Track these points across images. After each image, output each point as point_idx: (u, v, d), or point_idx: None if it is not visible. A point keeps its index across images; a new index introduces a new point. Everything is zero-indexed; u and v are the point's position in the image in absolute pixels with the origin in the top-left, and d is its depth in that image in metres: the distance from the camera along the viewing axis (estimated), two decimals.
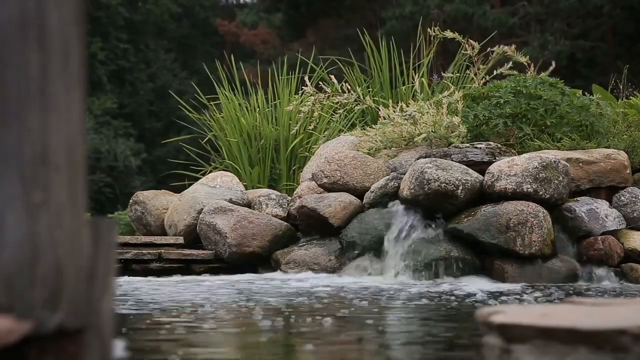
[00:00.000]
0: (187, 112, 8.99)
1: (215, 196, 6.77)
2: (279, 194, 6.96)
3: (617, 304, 1.77)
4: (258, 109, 8.51)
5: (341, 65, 8.77)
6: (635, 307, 1.67)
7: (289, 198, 6.83)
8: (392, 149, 6.89)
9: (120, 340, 1.51)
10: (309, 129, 8.27)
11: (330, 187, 6.47)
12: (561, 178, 5.90)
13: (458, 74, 8.23)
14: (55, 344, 1.29)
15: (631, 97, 7.40)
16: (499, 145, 6.44)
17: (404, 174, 6.16)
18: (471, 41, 8.06)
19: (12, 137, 1.26)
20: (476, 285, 5.29)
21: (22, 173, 1.26)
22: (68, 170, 1.30)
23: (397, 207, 6.05)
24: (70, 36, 1.29)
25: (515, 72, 7.51)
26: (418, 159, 6.29)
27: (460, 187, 5.87)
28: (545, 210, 5.77)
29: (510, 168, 5.89)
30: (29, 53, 1.26)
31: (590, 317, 1.51)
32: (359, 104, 8.05)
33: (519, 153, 6.38)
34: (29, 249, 1.26)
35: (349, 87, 8.16)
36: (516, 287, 5.19)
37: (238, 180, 7.21)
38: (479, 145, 6.36)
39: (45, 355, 1.28)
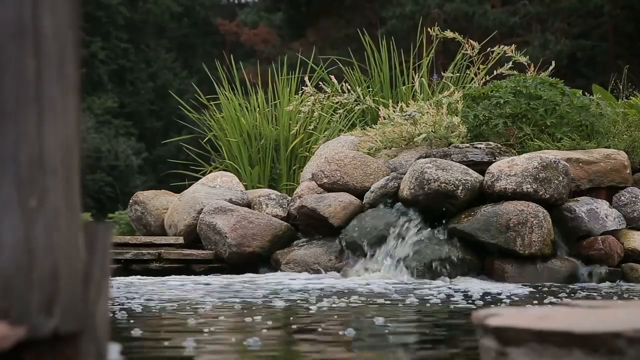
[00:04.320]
0: (187, 112, 8.99)
1: (215, 196, 6.78)
2: (279, 194, 6.96)
3: (614, 306, 1.77)
4: (258, 109, 8.51)
5: (341, 65, 8.77)
6: (632, 310, 1.67)
7: (289, 198, 6.84)
8: (392, 149, 6.89)
9: (115, 343, 1.51)
10: (309, 129, 8.27)
11: (330, 187, 6.47)
12: (561, 178, 5.90)
13: (458, 74, 8.23)
14: (51, 349, 1.29)
15: (631, 97, 7.40)
16: (499, 145, 6.44)
17: (404, 174, 6.16)
18: (471, 41, 8.06)
19: (8, 140, 1.27)
20: (476, 285, 5.30)
21: (18, 177, 1.27)
22: (64, 174, 1.30)
23: (397, 207, 6.05)
24: (65, 41, 1.30)
25: (515, 72, 7.51)
26: (418, 159, 6.29)
27: (460, 187, 5.87)
28: (545, 210, 5.78)
29: (510, 168, 5.89)
30: (25, 58, 1.27)
31: (587, 320, 1.51)
32: (359, 104, 8.05)
33: (519, 153, 6.38)
34: (25, 253, 1.27)
35: (349, 87, 8.16)
36: (516, 287, 5.19)
37: (238, 180, 7.22)
38: (479, 145, 6.36)
39: (42, 359, 1.29)
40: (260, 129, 8.40)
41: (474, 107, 6.72)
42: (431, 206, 5.93)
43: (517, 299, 4.41)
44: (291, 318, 3.59)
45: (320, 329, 3.15)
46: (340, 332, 3.05)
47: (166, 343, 2.82)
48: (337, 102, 8.06)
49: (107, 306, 1.37)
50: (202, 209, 6.61)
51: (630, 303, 1.96)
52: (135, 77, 26.62)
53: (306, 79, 8.19)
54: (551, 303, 4.10)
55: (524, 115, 6.60)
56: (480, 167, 6.12)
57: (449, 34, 7.97)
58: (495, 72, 7.86)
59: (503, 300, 4.28)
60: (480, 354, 1.54)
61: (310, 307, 3.84)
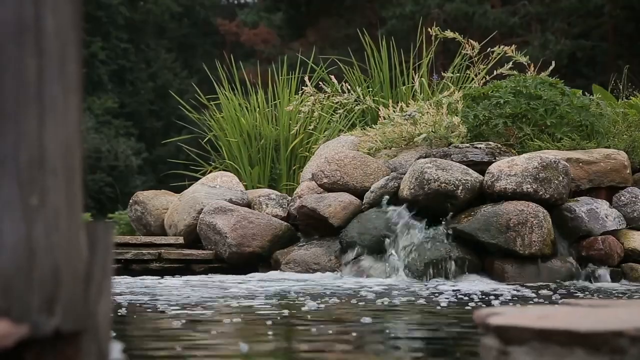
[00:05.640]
0: (187, 112, 8.99)
1: (215, 196, 6.78)
2: (279, 194, 6.96)
3: (615, 305, 1.77)
4: (258, 109, 8.51)
5: (341, 65, 8.77)
6: (633, 309, 1.67)
7: (289, 198, 6.84)
8: (392, 149, 6.90)
9: (118, 342, 1.51)
10: (309, 129, 8.28)
11: (330, 187, 6.48)
12: (561, 178, 5.90)
13: (458, 74, 8.23)
14: (52, 348, 1.30)
15: (631, 97, 7.40)
16: (499, 145, 6.45)
17: (404, 174, 6.16)
18: (471, 41, 8.06)
19: (9, 140, 1.27)
20: (476, 285, 5.30)
21: (18, 177, 1.27)
22: (65, 173, 1.30)
23: (397, 207, 6.05)
24: (67, 40, 1.30)
25: (515, 72, 7.51)
26: (418, 159, 6.29)
27: (460, 187, 5.87)
28: (545, 210, 5.78)
29: (510, 168, 5.90)
30: (26, 58, 1.27)
31: (588, 319, 1.51)
32: (359, 104, 8.05)
33: (519, 153, 6.39)
34: (26, 253, 1.27)
35: (349, 87, 8.16)
36: (516, 287, 5.19)
37: (238, 180, 7.22)
38: (479, 145, 6.36)
39: (43, 358, 1.29)
40: (260, 129, 8.40)
41: (474, 107, 6.72)
42: (431, 206, 5.92)
43: (517, 298, 4.40)
44: (279, 318, 3.59)
45: (313, 329, 3.15)
46: (334, 333, 3.05)
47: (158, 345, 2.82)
48: (337, 102, 8.06)
49: (109, 306, 1.37)
50: (202, 209, 6.61)
51: (631, 303, 1.96)
52: (135, 77, 26.62)
53: (306, 79, 8.19)
54: (552, 303, 4.10)
55: (524, 115, 6.61)
56: (480, 167, 6.12)
57: (449, 34, 7.97)
58: (495, 72, 7.86)
59: (503, 300, 4.27)
60: (482, 353, 1.54)
61: (305, 307, 3.83)
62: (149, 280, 5.72)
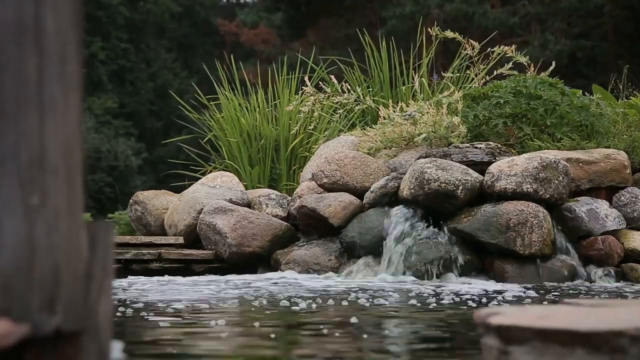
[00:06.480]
0: (187, 112, 8.99)
1: (215, 196, 6.78)
2: (279, 194, 6.96)
3: (615, 305, 1.77)
4: (258, 109, 8.51)
5: (341, 65, 8.77)
6: (633, 309, 1.67)
7: (289, 198, 6.84)
8: (392, 149, 6.89)
9: (118, 341, 1.51)
10: (309, 129, 8.27)
11: (330, 187, 6.48)
12: (561, 178, 5.91)
13: (458, 74, 8.22)
14: (53, 347, 1.30)
15: (631, 97, 7.40)
16: (499, 145, 6.45)
17: (404, 174, 6.16)
18: (471, 41, 8.06)
19: (9, 140, 1.27)
20: (476, 285, 5.30)
21: (19, 176, 1.27)
22: (65, 173, 1.30)
23: (397, 207, 6.05)
24: (67, 40, 1.30)
25: (515, 72, 7.51)
26: (418, 159, 6.29)
27: (460, 187, 5.87)
28: (545, 210, 5.78)
29: (510, 168, 5.90)
30: (27, 57, 1.27)
31: (588, 319, 1.51)
32: (359, 104, 8.05)
33: (519, 153, 6.39)
34: (26, 252, 1.27)
35: (349, 87, 8.16)
36: (516, 287, 5.19)
37: (238, 180, 7.22)
38: (479, 145, 6.36)
39: (43, 358, 1.29)
40: (260, 129, 8.40)
41: (474, 107, 6.72)
42: (431, 206, 5.93)
43: (517, 298, 4.40)
44: (277, 318, 3.59)
45: (309, 331, 3.15)
46: (332, 334, 3.04)
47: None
48: (337, 102, 8.06)
49: (109, 305, 1.37)
50: (202, 209, 6.61)
51: (631, 302, 1.96)
52: (135, 77, 26.61)
53: (306, 79, 8.19)
54: (552, 302, 4.10)
55: (524, 115, 6.61)
56: (480, 167, 6.12)
57: (449, 34, 7.97)
58: (495, 72, 7.86)
59: (503, 300, 4.27)
60: (482, 353, 1.54)
61: (300, 307, 3.83)
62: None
